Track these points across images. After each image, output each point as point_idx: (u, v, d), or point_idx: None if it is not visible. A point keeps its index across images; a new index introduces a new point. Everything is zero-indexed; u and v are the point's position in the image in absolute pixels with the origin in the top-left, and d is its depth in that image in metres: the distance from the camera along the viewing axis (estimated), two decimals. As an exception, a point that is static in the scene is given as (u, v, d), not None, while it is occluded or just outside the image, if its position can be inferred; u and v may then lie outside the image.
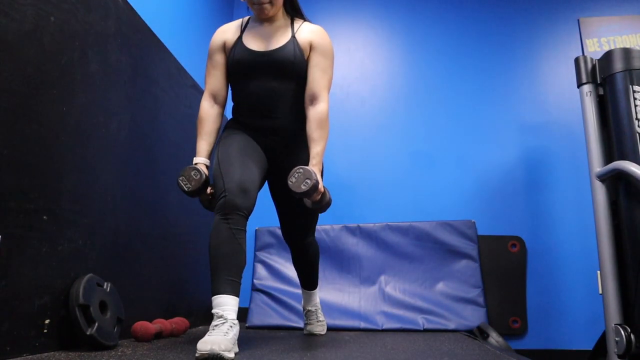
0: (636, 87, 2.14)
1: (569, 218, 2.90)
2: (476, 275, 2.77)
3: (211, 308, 1.45)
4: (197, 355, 1.29)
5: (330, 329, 2.46)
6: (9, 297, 1.24)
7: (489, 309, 2.76)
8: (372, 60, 3.30)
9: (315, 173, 1.54)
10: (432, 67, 3.23)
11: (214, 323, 1.41)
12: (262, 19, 1.77)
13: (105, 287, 1.57)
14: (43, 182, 1.38)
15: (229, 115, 1.90)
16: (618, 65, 2.20)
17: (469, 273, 2.78)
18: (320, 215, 1.94)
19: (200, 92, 2.59)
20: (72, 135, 1.52)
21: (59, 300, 1.42)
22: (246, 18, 1.85)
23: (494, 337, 2.41)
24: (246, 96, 1.74)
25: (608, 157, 2.23)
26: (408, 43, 3.29)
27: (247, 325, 2.66)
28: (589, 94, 2.31)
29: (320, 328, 2.19)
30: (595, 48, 3.12)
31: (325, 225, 2.91)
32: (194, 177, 1.61)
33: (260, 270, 2.87)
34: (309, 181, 1.52)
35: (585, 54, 3.09)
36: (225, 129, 1.81)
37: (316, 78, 1.72)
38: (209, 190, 1.67)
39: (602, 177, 2.19)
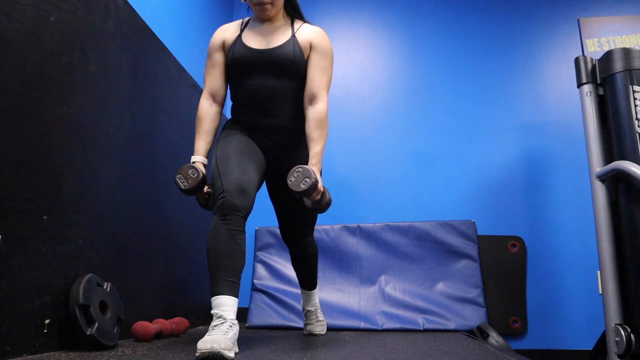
0: (636, 87, 2.14)
1: (569, 218, 2.90)
2: (476, 275, 2.77)
3: (211, 308, 1.45)
4: (197, 354, 1.29)
5: (330, 329, 2.46)
6: (9, 297, 1.24)
7: (489, 309, 2.76)
8: (372, 60, 3.30)
9: (314, 172, 1.54)
10: (432, 67, 3.23)
11: (213, 323, 1.41)
12: (262, 19, 1.77)
13: (105, 287, 1.57)
14: (43, 182, 1.38)
15: (227, 114, 1.90)
16: (618, 65, 2.20)
17: (468, 273, 2.78)
18: (320, 215, 1.94)
19: (200, 92, 2.59)
20: (72, 135, 1.52)
21: (59, 300, 1.42)
22: (246, 18, 1.85)
23: (494, 337, 2.41)
24: (245, 94, 1.74)
25: (608, 157, 2.23)
26: (408, 43, 3.29)
27: (247, 325, 2.66)
28: (589, 94, 2.31)
29: (320, 328, 2.19)
30: (595, 48, 3.12)
31: (325, 225, 2.91)
32: (192, 175, 1.60)
33: (260, 270, 2.87)
34: (308, 180, 1.51)
35: (585, 54, 3.09)
36: (224, 128, 1.81)
37: (315, 78, 1.72)
38: (206, 189, 1.67)
39: (602, 177, 2.19)
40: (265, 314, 2.69)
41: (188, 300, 2.43)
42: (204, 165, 1.70)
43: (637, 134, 2.09)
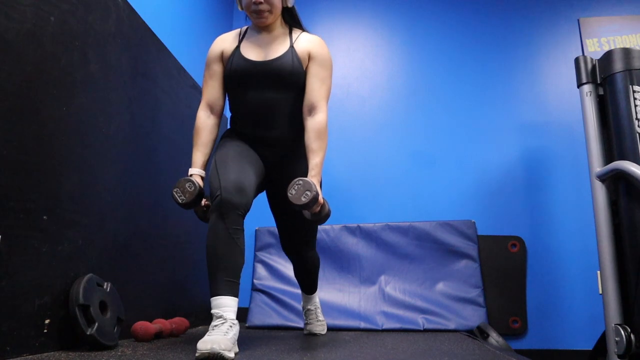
0: (636, 87, 2.14)
1: (569, 218, 2.90)
2: (476, 275, 2.77)
3: (211, 308, 1.45)
4: (197, 354, 1.29)
5: (330, 329, 2.46)
6: (9, 297, 1.24)
7: (489, 309, 2.76)
8: (372, 60, 3.30)
9: (315, 185, 1.53)
10: (432, 67, 3.23)
11: (213, 323, 1.41)
12: (260, 27, 1.75)
13: (105, 287, 1.57)
14: (43, 182, 1.38)
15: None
16: (618, 65, 2.20)
17: (468, 273, 2.78)
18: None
19: (200, 93, 2.59)
20: (72, 135, 1.52)
21: (59, 300, 1.42)
22: (244, 28, 1.83)
23: (494, 337, 2.41)
24: (244, 106, 1.73)
25: (608, 157, 2.23)
26: (408, 43, 3.29)
27: (247, 325, 2.66)
28: (589, 94, 2.31)
29: (320, 328, 2.19)
30: (595, 48, 3.12)
31: (325, 225, 2.90)
32: (189, 189, 1.58)
33: (260, 270, 2.87)
34: (309, 193, 1.50)
35: (585, 54, 3.09)
36: (223, 137, 1.79)
37: (315, 88, 1.70)
38: (203, 202, 1.65)
39: (602, 177, 2.19)
40: (265, 314, 2.69)
41: (188, 300, 2.43)
42: (202, 178, 1.68)
43: (637, 134, 2.09)
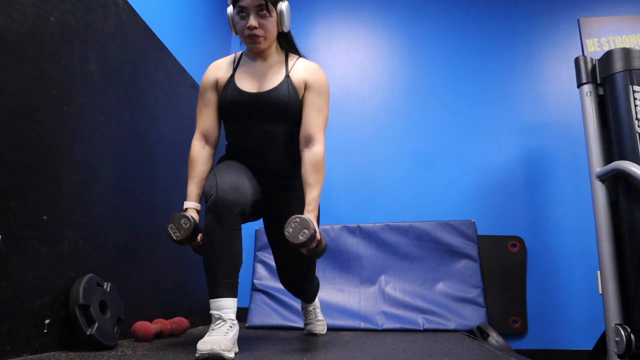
0: (636, 87, 2.14)
1: (569, 218, 2.90)
2: (476, 275, 2.77)
3: (210, 309, 1.45)
4: (197, 355, 1.29)
5: (330, 329, 2.46)
6: (9, 297, 1.24)
7: (489, 309, 2.76)
8: (372, 60, 3.30)
9: (312, 222, 1.47)
10: (432, 67, 3.23)
11: (213, 324, 1.42)
12: (255, 53, 1.71)
13: (105, 287, 1.57)
14: (43, 182, 1.38)
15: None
16: (618, 65, 2.20)
17: (469, 273, 2.78)
18: (320, 215, 1.93)
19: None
20: (72, 135, 1.52)
21: (59, 300, 1.42)
22: (239, 53, 1.78)
23: (494, 337, 2.41)
24: (239, 137, 1.69)
25: (608, 157, 2.23)
26: (408, 43, 3.29)
27: (247, 325, 2.66)
28: (589, 94, 2.31)
29: (320, 328, 2.19)
30: (595, 48, 3.12)
31: (326, 226, 2.90)
32: (184, 225, 1.53)
33: (260, 270, 2.87)
34: (306, 231, 1.45)
35: (585, 54, 3.09)
36: (220, 159, 1.76)
37: (311, 118, 1.65)
38: (199, 237, 1.60)
39: (602, 177, 2.19)
40: (265, 314, 2.69)
41: (188, 300, 2.43)
42: (197, 212, 1.63)
43: (637, 134, 2.09)
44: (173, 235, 1.55)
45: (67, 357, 1.30)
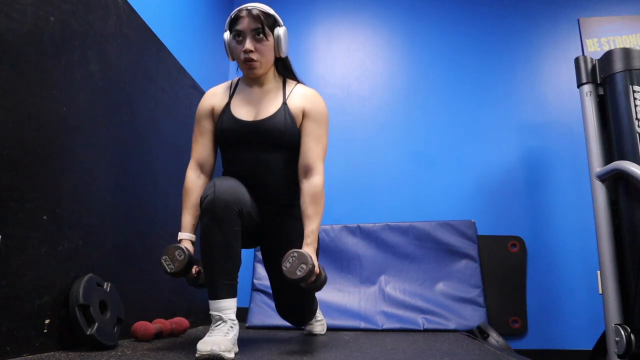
0: (636, 87, 2.14)
1: (569, 218, 2.90)
2: (476, 275, 2.77)
3: (210, 310, 1.44)
4: (197, 355, 1.29)
5: (330, 329, 2.46)
6: (9, 297, 1.24)
7: (489, 309, 2.76)
8: (372, 60, 3.30)
9: (310, 256, 1.44)
10: (432, 67, 3.23)
11: (213, 324, 1.42)
12: (251, 79, 1.69)
13: (105, 287, 1.57)
14: (43, 182, 1.38)
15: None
16: (618, 65, 2.20)
17: (469, 273, 2.78)
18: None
19: (200, 93, 2.59)
20: (72, 135, 1.52)
21: (59, 300, 1.42)
22: (235, 79, 1.76)
23: (494, 337, 2.41)
24: (235, 166, 1.66)
25: (608, 157, 2.23)
26: (408, 43, 3.29)
27: (247, 325, 2.66)
28: (589, 94, 2.31)
29: (320, 328, 2.18)
30: (595, 48, 3.12)
31: (326, 226, 2.90)
32: (178, 257, 1.50)
33: (261, 270, 2.87)
34: (304, 266, 1.42)
35: (585, 54, 3.09)
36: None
37: (310, 148, 1.62)
38: (194, 269, 1.56)
39: (602, 177, 2.19)
40: (265, 314, 2.68)
41: (188, 300, 2.43)
42: (192, 242, 1.61)
43: (637, 134, 2.09)
44: (167, 268, 1.51)
45: (67, 357, 1.30)
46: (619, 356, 2.01)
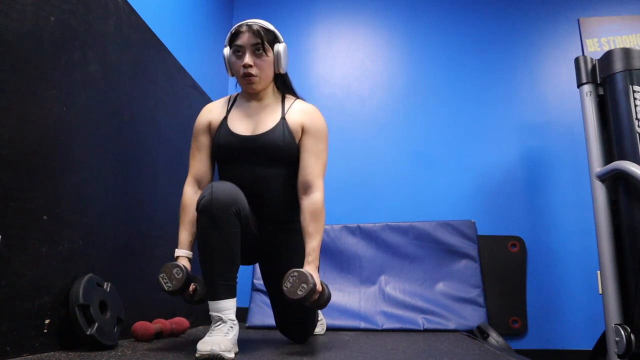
0: (636, 87, 2.14)
1: (569, 218, 2.90)
2: (476, 275, 2.77)
3: (209, 310, 1.44)
4: (197, 355, 1.29)
5: (330, 329, 2.46)
6: (9, 297, 1.24)
7: (489, 309, 2.76)
8: (372, 60, 3.30)
9: (311, 275, 1.43)
10: (432, 67, 3.23)
11: (213, 324, 1.42)
12: (250, 93, 1.67)
13: (105, 287, 1.57)
14: (43, 182, 1.38)
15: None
16: (618, 65, 2.20)
17: (469, 273, 2.78)
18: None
19: (200, 93, 2.60)
20: (72, 135, 1.52)
21: (59, 300, 1.42)
22: (234, 94, 1.75)
23: (494, 337, 2.41)
24: (233, 181, 1.59)
25: (608, 157, 2.23)
26: (408, 43, 3.29)
27: (247, 325, 2.66)
28: (589, 94, 2.31)
29: (320, 328, 2.19)
30: (595, 48, 3.12)
31: (326, 226, 2.90)
32: (176, 275, 1.49)
33: (260, 270, 2.87)
34: (305, 286, 1.40)
35: (585, 54, 3.09)
36: None
37: (309, 164, 1.60)
38: (191, 287, 1.55)
39: (602, 177, 2.19)
40: (265, 314, 2.68)
41: (188, 300, 2.43)
42: (189, 259, 1.59)
43: (637, 134, 2.09)
44: (165, 286, 1.49)
45: (67, 357, 1.30)
46: (619, 356, 2.01)
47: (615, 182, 2.16)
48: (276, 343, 1.82)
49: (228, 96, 1.77)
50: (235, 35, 1.63)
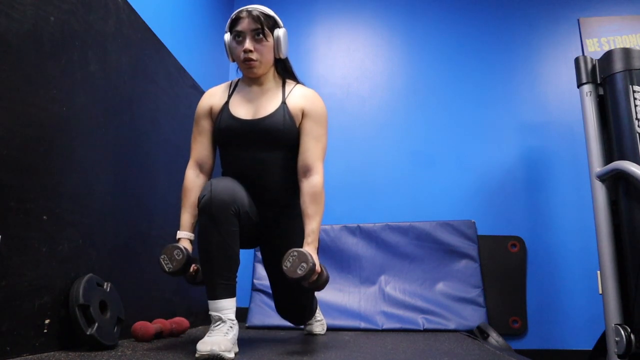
0: (636, 87, 2.14)
1: (569, 218, 2.90)
2: (476, 275, 2.77)
3: (209, 310, 1.44)
4: (197, 355, 1.29)
5: (330, 329, 2.46)
6: (9, 297, 1.24)
7: (489, 309, 2.76)
8: (372, 60, 3.30)
9: (311, 255, 1.44)
10: (432, 67, 3.23)
11: (213, 324, 1.42)
12: (250, 78, 1.69)
13: (105, 287, 1.57)
14: (43, 182, 1.38)
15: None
16: (618, 65, 2.20)
17: (469, 273, 2.78)
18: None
19: (200, 93, 2.59)
20: (72, 135, 1.52)
21: (59, 300, 1.42)
22: (235, 80, 1.76)
23: (494, 337, 2.41)
24: (234, 165, 1.66)
25: (608, 157, 2.23)
26: (408, 43, 3.29)
27: (247, 325, 2.66)
28: (589, 94, 2.31)
29: (319, 328, 2.19)
30: (595, 48, 3.12)
31: (326, 225, 2.90)
32: (176, 257, 1.51)
33: (261, 270, 2.87)
34: (304, 265, 1.42)
35: (585, 54, 3.09)
36: None
37: (309, 148, 1.62)
38: (192, 268, 1.58)
39: (602, 177, 2.19)
40: (265, 314, 2.68)
41: (188, 300, 2.43)
42: (190, 241, 1.62)
43: (637, 134, 2.09)
44: (165, 267, 1.52)
45: (67, 357, 1.30)
46: (619, 356, 2.01)
47: (615, 182, 2.16)
48: (276, 343, 1.82)
49: (229, 81, 1.78)
50: (236, 20, 1.64)
